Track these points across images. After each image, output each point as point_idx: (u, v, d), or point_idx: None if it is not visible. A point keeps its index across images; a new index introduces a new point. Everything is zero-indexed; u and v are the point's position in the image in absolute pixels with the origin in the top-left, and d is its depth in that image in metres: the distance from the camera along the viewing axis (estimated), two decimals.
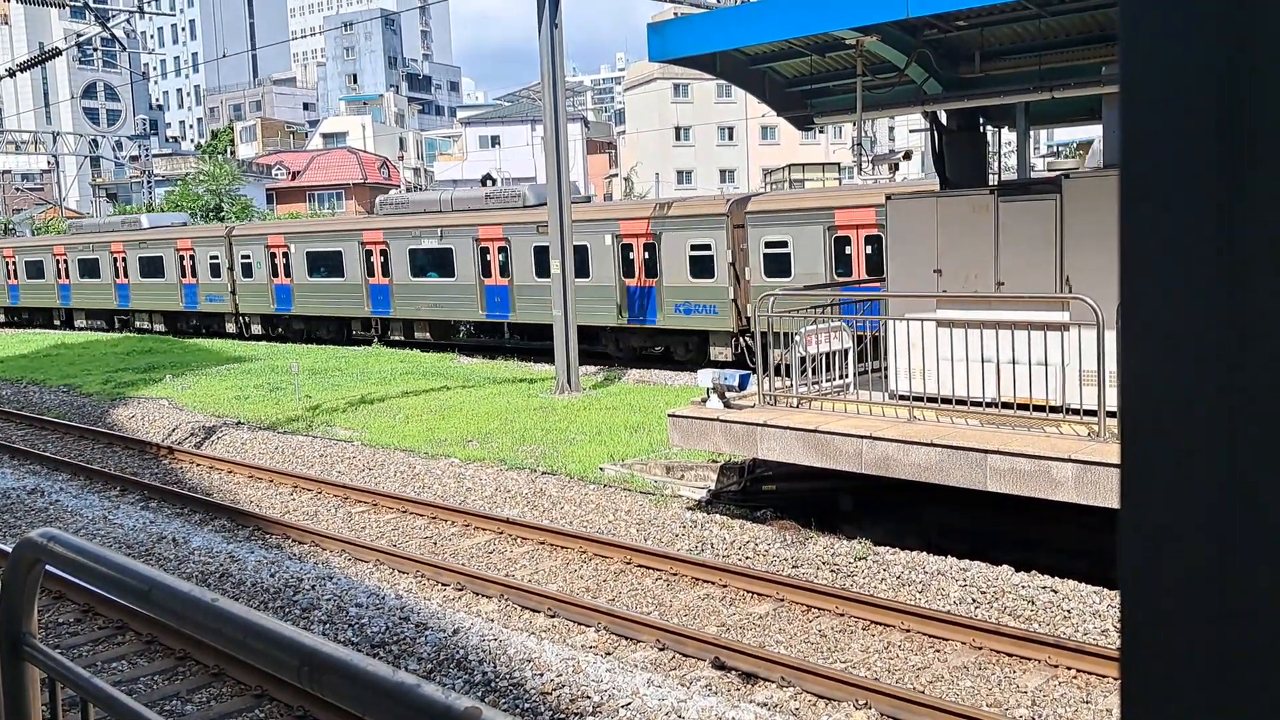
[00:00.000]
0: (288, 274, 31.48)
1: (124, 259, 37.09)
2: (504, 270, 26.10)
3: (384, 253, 28.72)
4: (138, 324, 37.81)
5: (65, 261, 39.84)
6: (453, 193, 29.53)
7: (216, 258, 33.55)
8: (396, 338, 29.50)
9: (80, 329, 39.72)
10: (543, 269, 23.61)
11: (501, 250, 26.04)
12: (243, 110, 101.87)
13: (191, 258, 34.41)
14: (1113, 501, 8.12)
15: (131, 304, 37.51)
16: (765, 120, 60.05)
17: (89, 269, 38.78)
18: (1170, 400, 0.65)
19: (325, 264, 30.34)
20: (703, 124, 66.79)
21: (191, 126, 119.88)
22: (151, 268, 36.05)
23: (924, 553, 10.16)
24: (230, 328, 34.19)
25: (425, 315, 28.36)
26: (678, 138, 67.62)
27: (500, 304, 26.38)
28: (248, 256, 32.53)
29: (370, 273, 29.17)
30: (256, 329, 33.29)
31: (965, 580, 9.52)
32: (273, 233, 32.88)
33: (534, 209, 25.21)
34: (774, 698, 7.73)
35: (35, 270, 41.75)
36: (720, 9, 20.97)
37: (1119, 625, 0.69)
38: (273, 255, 31.80)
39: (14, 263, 42.73)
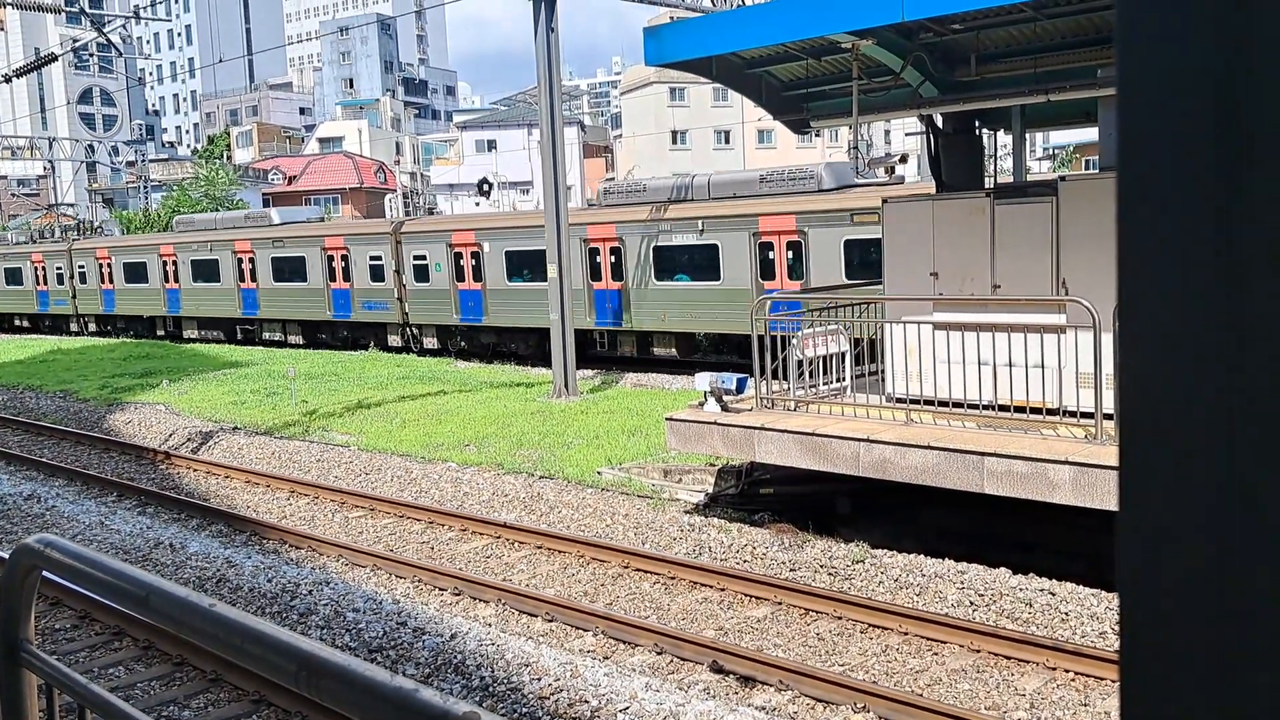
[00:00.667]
0: (477, 277, 26.50)
1: (252, 260, 31.80)
2: (794, 271, 21.04)
3: (615, 250, 23.81)
4: (266, 335, 32.51)
5: (175, 263, 34.32)
6: (711, 176, 23.99)
7: (379, 258, 28.58)
8: (626, 352, 24.43)
9: (190, 340, 35.02)
10: (857, 269, 19.36)
11: (791, 246, 21.05)
12: (239, 115, 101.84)
13: (344, 258, 29.38)
14: (1110, 503, 8.14)
15: (260, 312, 32.09)
16: (762, 124, 60.13)
17: (206, 272, 33.36)
18: (1169, 401, 0.65)
19: (530, 265, 25.11)
20: (699, 128, 66.85)
21: (188, 131, 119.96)
22: (289, 270, 30.82)
23: (921, 555, 10.16)
24: (394, 340, 29.25)
25: (673, 326, 23.23)
26: (674, 141, 67.66)
27: None
28: (423, 257, 27.60)
29: (595, 275, 24.12)
30: (430, 342, 28.38)
31: (963, 583, 9.52)
32: (459, 229, 27.51)
33: (835, 193, 20.82)
34: (772, 701, 7.73)
35: (136, 273, 36.01)
36: (716, 13, 21.00)
37: (1118, 627, 0.69)
38: (458, 256, 26.86)
39: (109, 265, 37.13)
